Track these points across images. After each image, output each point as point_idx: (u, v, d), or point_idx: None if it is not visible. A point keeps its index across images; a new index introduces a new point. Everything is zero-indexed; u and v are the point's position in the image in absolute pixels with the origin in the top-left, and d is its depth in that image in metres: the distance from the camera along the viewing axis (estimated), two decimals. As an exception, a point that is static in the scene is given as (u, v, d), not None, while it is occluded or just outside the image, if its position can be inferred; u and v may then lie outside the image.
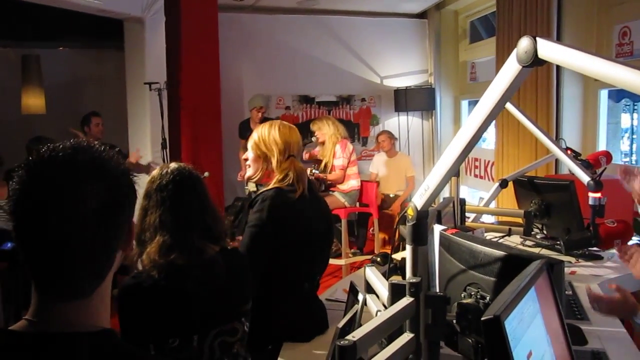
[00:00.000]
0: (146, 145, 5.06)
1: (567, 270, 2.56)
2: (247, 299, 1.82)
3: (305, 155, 5.51)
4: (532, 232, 3.18)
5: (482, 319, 0.96)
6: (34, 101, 6.31)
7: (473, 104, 7.09)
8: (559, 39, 4.19)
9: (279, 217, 2.05)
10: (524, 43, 1.09)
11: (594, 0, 4.65)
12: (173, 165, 1.78)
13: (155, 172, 1.75)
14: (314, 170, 5.29)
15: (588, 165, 2.86)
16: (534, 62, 1.08)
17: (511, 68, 1.14)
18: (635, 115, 7.63)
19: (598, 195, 2.52)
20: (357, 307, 1.64)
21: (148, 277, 1.62)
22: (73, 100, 6.75)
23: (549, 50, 1.05)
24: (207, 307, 1.68)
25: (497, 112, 1.22)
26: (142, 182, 1.27)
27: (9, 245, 3.87)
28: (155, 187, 1.70)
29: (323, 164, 5.47)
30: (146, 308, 1.61)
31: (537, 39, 1.06)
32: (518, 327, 1.03)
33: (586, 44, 4.63)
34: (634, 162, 7.29)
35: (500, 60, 5.42)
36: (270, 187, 2.12)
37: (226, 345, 1.73)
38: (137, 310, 1.62)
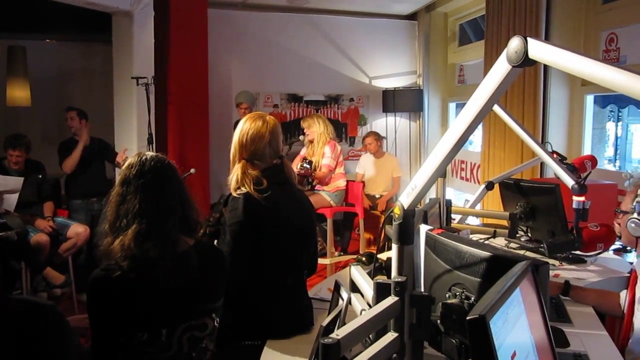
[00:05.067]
0: (132, 140, 5.01)
1: (550, 273, 2.57)
2: (218, 295, 1.81)
3: (297, 166, 5.42)
4: (517, 235, 3.20)
5: (468, 318, 0.96)
6: (19, 93, 6.24)
7: (461, 106, 7.10)
8: (547, 44, 4.22)
9: (255, 211, 2.03)
10: (515, 43, 1.08)
11: (581, 7, 4.69)
12: (150, 153, 1.76)
13: (132, 160, 1.73)
14: (305, 164, 5.26)
15: (573, 169, 2.88)
16: (524, 62, 1.08)
17: (501, 68, 1.14)
18: (620, 122, 7.72)
19: (582, 199, 2.55)
20: (342, 305, 1.63)
21: (118, 268, 1.61)
22: (59, 94, 6.69)
23: (539, 50, 1.05)
24: (177, 301, 1.67)
25: (486, 112, 1.22)
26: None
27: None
28: (135, 173, 1.68)
29: (314, 165, 5.44)
30: (115, 300, 1.60)
31: (528, 39, 1.06)
32: (503, 327, 1.03)
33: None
34: (617, 167, 7.38)
35: (489, 63, 5.44)
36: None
37: (195, 339, 1.72)
38: (106, 302, 1.61)
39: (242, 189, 2.06)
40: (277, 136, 2.18)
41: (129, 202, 1.66)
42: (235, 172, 2.10)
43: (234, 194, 2.07)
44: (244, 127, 2.16)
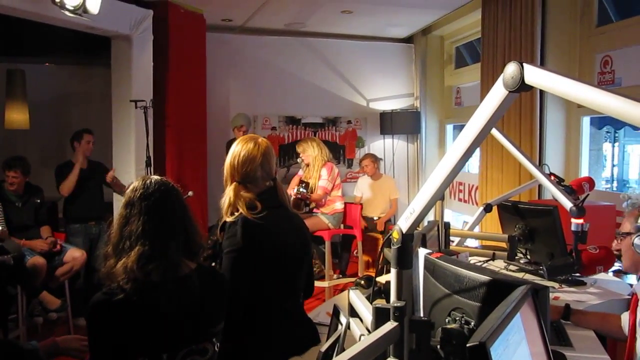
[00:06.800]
0: (130, 163, 5.02)
1: (550, 295, 2.56)
2: (220, 319, 1.80)
3: (293, 190, 5.42)
4: (516, 257, 3.19)
5: (468, 345, 0.95)
6: (17, 116, 6.26)
7: (458, 128, 7.15)
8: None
9: (253, 237, 2.02)
10: (511, 69, 1.09)
11: (576, 30, 4.75)
12: (155, 177, 1.78)
13: (137, 183, 1.74)
14: (301, 189, 5.26)
15: (571, 191, 2.89)
16: (521, 87, 1.08)
17: (498, 93, 1.14)
18: (616, 143, 7.75)
19: (581, 221, 2.54)
20: (341, 330, 1.62)
21: (121, 291, 1.60)
22: (57, 117, 6.71)
23: (535, 75, 1.06)
24: (179, 325, 1.66)
25: (484, 136, 1.22)
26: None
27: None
28: (139, 196, 1.69)
29: (310, 188, 5.43)
30: (116, 325, 1.58)
31: (524, 64, 1.07)
32: (503, 354, 1.02)
33: (569, 72, 4.71)
34: (614, 189, 7.39)
35: (485, 85, 5.48)
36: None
37: None
38: (107, 326, 1.59)
39: (236, 213, 2.05)
40: (269, 158, 2.18)
41: (133, 224, 1.66)
42: (228, 195, 2.09)
43: (229, 219, 2.05)
44: (236, 149, 2.17)
